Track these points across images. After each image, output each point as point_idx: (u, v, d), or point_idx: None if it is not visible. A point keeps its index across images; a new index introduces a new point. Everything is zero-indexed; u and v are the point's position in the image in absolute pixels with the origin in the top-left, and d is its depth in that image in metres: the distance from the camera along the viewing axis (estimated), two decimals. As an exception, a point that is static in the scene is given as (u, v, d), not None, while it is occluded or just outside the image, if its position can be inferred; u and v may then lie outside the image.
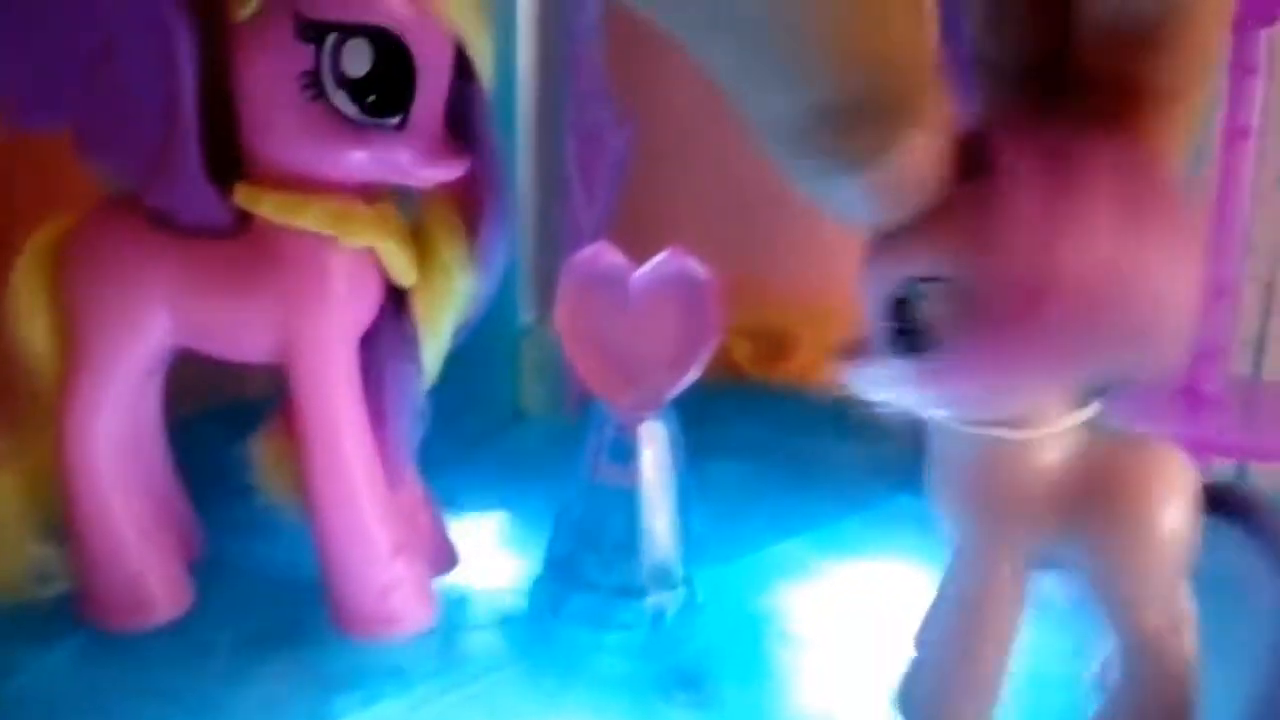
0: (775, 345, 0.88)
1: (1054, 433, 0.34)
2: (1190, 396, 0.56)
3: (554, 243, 0.79)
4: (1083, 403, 0.35)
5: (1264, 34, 0.53)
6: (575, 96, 0.75)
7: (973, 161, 0.30)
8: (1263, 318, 0.65)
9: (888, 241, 0.33)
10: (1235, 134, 0.53)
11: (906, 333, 0.32)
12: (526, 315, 0.79)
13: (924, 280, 0.31)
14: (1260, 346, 0.65)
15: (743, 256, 0.94)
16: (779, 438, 0.75)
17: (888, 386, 0.34)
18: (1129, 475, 0.34)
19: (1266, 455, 0.55)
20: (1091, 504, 0.34)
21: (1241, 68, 0.53)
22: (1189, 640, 0.34)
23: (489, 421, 0.76)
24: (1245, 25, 0.53)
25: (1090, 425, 0.35)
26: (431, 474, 0.56)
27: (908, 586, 0.54)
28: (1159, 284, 0.30)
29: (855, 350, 0.34)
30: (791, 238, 0.91)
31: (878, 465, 0.67)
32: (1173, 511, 0.33)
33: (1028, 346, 0.30)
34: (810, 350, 0.87)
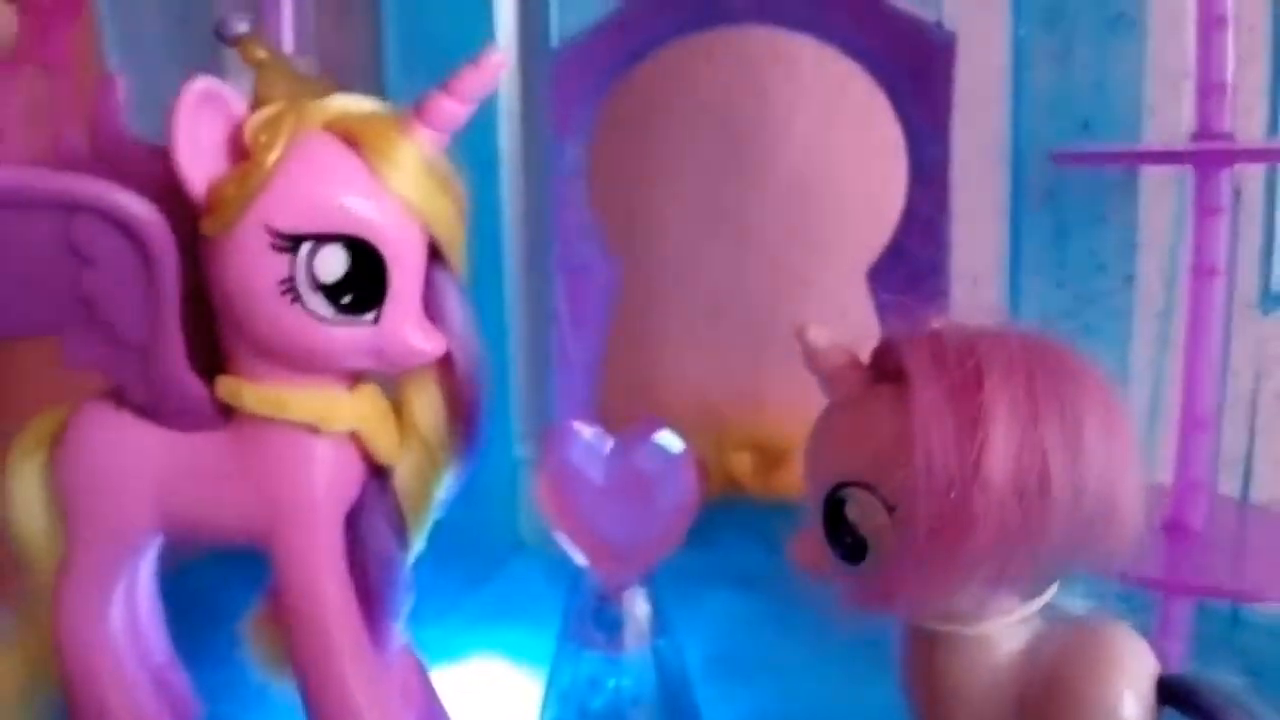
0: (774, 457, 0.89)
1: (1007, 624, 0.34)
2: (1176, 532, 0.55)
3: (546, 375, 0.80)
4: (1035, 592, 0.35)
5: (1225, 174, 0.53)
6: (561, 232, 0.77)
7: (890, 367, 0.31)
8: (1248, 438, 0.65)
9: (819, 440, 0.33)
10: (1204, 272, 0.53)
11: (841, 534, 0.32)
12: (522, 448, 0.79)
13: (851, 485, 0.31)
14: (1248, 467, 0.65)
15: (739, 371, 0.95)
16: (777, 561, 0.75)
17: (834, 584, 0.34)
18: (1082, 664, 0.33)
19: (1255, 596, 0.54)
20: (1045, 694, 0.34)
21: (1205, 208, 0.53)
22: None
23: (489, 555, 0.77)
24: (1206, 167, 0.53)
25: (1045, 611, 0.35)
26: (433, 613, 0.56)
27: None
28: (1092, 474, 0.29)
29: (804, 548, 0.35)
30: (786, 348, 0.91)
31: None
32: (1127, 701, 0.32)
33: (959, 564, 0.29)
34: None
